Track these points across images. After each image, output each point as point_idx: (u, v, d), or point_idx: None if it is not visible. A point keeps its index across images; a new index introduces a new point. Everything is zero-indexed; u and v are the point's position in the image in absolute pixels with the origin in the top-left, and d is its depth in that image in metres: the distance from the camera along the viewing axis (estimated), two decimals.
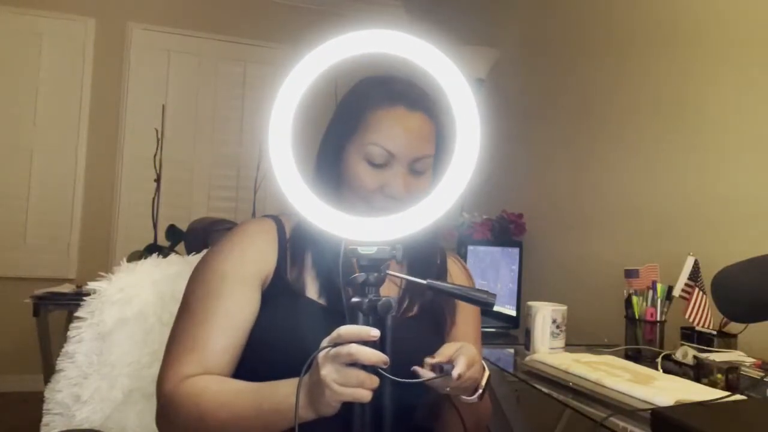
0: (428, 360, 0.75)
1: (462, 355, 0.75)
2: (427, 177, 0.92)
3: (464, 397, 0.79)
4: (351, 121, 0.92)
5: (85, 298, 1.08)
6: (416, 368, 0.75)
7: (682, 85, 1.85)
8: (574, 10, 2.44)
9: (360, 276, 0.71)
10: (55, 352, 1.96)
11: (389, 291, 0.93)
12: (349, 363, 0.67)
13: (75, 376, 1.03)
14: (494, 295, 0.76)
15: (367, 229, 0.70)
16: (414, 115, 0.90)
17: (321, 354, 0.69)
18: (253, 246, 0.92)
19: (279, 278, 0.91)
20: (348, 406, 0.70)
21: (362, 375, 0.67)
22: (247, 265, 0.90)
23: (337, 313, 0.87)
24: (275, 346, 0.86)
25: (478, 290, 0.77)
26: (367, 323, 0.70)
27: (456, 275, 1.05)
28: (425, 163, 0.91)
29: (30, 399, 1.45)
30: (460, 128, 0.71)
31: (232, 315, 0.87)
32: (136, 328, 1.07)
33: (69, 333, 1.05)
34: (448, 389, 0.77)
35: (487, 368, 0.83)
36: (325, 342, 0.70)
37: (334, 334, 0.69)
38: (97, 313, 1.06)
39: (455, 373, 0.73)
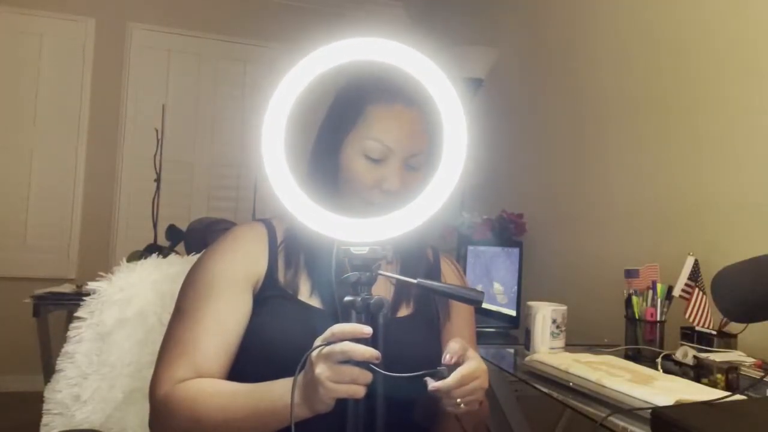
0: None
1: (466, 363, 0.76)
2: (421, 173, 0.92)
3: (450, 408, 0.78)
4: (349, 117, 0.92)
5: (85, 298, 1.09)
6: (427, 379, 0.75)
7: (682, 85, 1.85)
8: (574, 10, 2.44)
9: (353, 275, 0.72)
10: (55, 352, 1.96)
11: (384, 291, 0.93)
12: (343, 360, 0.68)
13: (75, 376, 1.03)
14: (482, 293, 0.78)
15: (359, 230, 0.72)
16: (411, 112, 0.91)
17: (314, 353, 0.70)
18: (243, 249, 0.93)
19: (270, 281, 0.92)
20: (342, 403, 0.71)
21: (355, 371, 0.69)
22: (237, 268, 0.91)
23: (328, 314, 0.88)
24: (268, 349, 0.87)
25: (467, 288, 0.79)
26: (359, 321, 0.71)
27: (449, 276, 1.06)
28: (420, 159, 0.92)
29: (30, 399, 1.44)
30: (447, 133, 0.73)
31: (224, 318, 0.88)
32: (136, 328, 1.07)
33: (69, 333, 1.06)
34: (452, 406, 0.77)
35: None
36: (318, 341, 0.71)
37: (328, 332, 0.70)
38: (97, 313, 1.06)
39: (450, 380, 0.74)
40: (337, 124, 0.94)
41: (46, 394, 1.04)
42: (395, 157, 0.90)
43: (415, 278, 0.77)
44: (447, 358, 0.76)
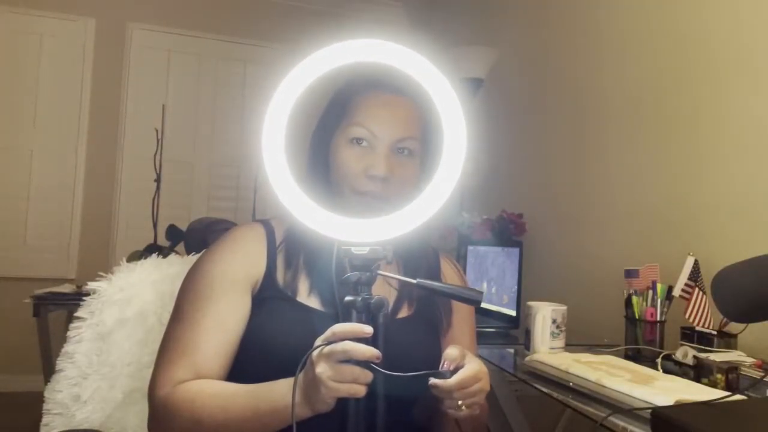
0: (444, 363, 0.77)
1: (467, 366, 0.76)
2: (413, 160, 0.93)
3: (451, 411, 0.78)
4: (337, 111, 0.94)
5: (85, 298, 1.09)
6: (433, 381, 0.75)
7: (682, 85, 1.85)
8: (574, 10, 2.44)
9: (353, 275, 0.72)
10: (55, 352, 1.96)
11: (386, 292, 0.93)
12: (343, 360, 0.69)
13: (75, 376, 1.03)
14: (481, 293, 0.78)
15: (360, 230, 0.72)
16: (397, 99, 0.92)
17: (315, 352, 0.71)
18: (243, 250, 0.93)
19: (269, 282, 0.92)
20: (342, 403, 0.71)
21: (356, 370, 0.69)
22: (236, 269, 0.91)
23: (327, 315, 0.88)
24: (267, 349, 0.87)
25: (466, 288, 0.80)
26: (360, 321, 0.71)
27: (449, 275, 1.06)
28: (409, 143, 0.91)
29: (30, 399, 1.44)
30: (447, 133, 0.74)
31: (223, 319, 0.88)
32: (136, 328, 1.07)
33: (69, 333, 1.06)
34: (452, 408, 0.77)
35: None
36: (319, 340, 0.71)
37: (328, 332, 0.70)
38: (97, 313, 1.06)
39: (452, 380, 0.74)
40: (327, 121, 0.96)
41: (46, 394, 1.04)
42: (381, 143, 0.90)
43: (416, 278, 0.77)
44: (446, 365, 0.76)
